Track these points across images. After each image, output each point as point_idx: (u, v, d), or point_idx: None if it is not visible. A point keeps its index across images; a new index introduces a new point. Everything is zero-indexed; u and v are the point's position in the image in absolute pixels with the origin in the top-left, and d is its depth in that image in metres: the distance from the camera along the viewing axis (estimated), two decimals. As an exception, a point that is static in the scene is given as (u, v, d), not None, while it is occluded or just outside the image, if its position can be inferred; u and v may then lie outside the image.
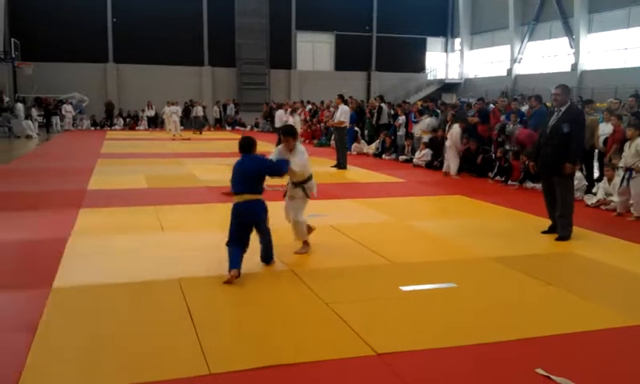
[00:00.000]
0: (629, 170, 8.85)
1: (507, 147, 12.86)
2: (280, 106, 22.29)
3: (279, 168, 5.98)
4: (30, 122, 25.42)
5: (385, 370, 3.79)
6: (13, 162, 16.14)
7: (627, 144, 8.98)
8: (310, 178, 6.48)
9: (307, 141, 21.91)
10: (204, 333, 4.29)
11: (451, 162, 13.62)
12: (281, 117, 20.61)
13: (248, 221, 5.82)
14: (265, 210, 5.90)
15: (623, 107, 12.29)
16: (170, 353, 3.99)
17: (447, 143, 13.85)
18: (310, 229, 6.63)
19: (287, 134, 6.35)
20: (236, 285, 5.45)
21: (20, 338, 4.17)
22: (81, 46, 32.74)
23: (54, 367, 3.78)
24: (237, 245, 5.67)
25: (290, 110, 21.63)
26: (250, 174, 5.82)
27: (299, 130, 20.28)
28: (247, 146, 5.91)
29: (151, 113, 32.13)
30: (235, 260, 5.55)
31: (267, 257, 6.04)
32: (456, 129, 13.59)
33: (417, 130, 16.23)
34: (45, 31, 31.99)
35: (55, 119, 29.10)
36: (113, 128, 31.90)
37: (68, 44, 32.30)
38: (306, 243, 6.57)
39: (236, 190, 5.86)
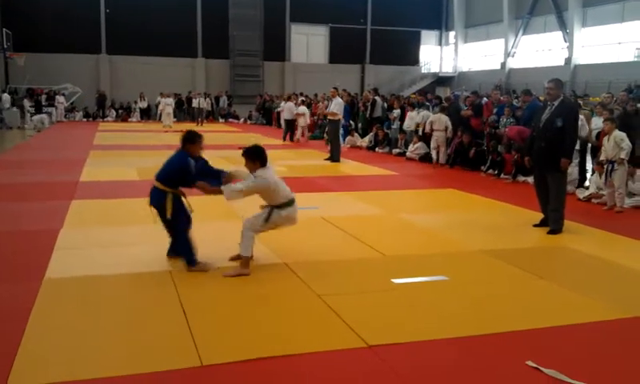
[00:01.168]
0: (610, 162, 8.99)
1: (497, 142, 12.89)
2: (288, 99, 22.60)
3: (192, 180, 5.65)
4: (44, 115, 25.62)
5: (376, 362, 3.81)
6: (4, 153, 16.05)
7: (606, 138, 9.18)
8: (276, 207, 5.58)
9: (295, 132, 21.95)
10: (196, 324, 4.29)
11: (441, 150, 14.10)
12: (291, 109, 20.99)
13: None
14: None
15: (615, 102, 12.36)
16: (162, 344, 4.00)
17: (438, 133, 14.15)
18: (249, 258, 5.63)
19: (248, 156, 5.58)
20: (229, 277, 5.44)
21: (12, 329, 4.16)
22: (73, 36, 32.55)
23: (45, 358, 3.78)
24: None
25: (300, 100, 22.15)
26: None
27: (307, 120, 20.50)
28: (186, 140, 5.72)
29: (144, 104, 32.01)
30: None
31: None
32: (443, 117, 14.13)
33: (410, 123, 16.22)
34: (37, 22, 31.78)
35: (51, 110, 28.92)
36: (105, 120, 31.75)
37: (60, 35, 32.11)
38: (244, 264, 5.55)
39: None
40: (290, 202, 5.65)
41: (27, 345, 3.93)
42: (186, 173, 5.59)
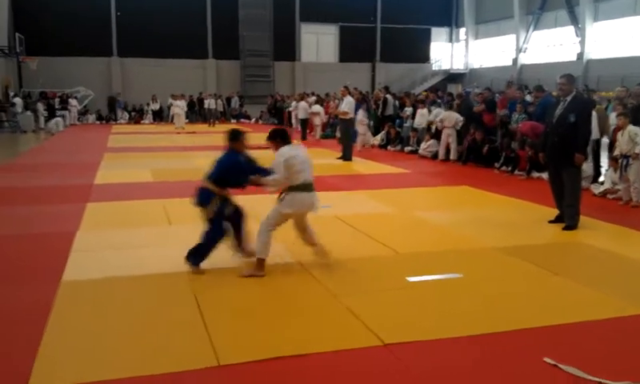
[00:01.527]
0: (625, 156, 8.94)
1: (510, 140, 12.85)
2: (302, 98, 22.93)
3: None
4: (59, 119, 25.98)
5: (392, 360, 3.81)
6: (19, 157, 16.20)
7: (620, 132, 9.13)
8: (290, 189, 5.47)
9: (311, 132, 21.94)
10: (212, 325, 4.32)
11: (452, 147, 14.35)
12: (305, 108, 21.20)
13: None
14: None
15: (630, 96, 12.23)
16: (179, 345, 4.03)
17: (447, 131, 14.40)
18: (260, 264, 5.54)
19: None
20: (245, 278, 5.47)
21: (31, 331, 4.21)
22: (85, 40, 32.74)
23: (64, 359, 3.82)
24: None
25: (313, 99, 22.60)
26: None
27: (323, 119, 20.53)
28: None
29: (156, 106, 32.15)
30: None
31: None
32: (453, 114, 14.38)
33: (422, 120, 16.18)
34: (49, 25, 32.00)
35: (65, 114, 29.11)
36: (118, 122, 31.95)
37: (72, 38, 32.30)
38: (258, 265, 5.51)
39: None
40: (304, 187, 5.49)
41: (46, 346, 3.98)
42: (238, 170, 5.62)
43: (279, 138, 5.60)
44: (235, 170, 5.61)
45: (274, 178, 5.47)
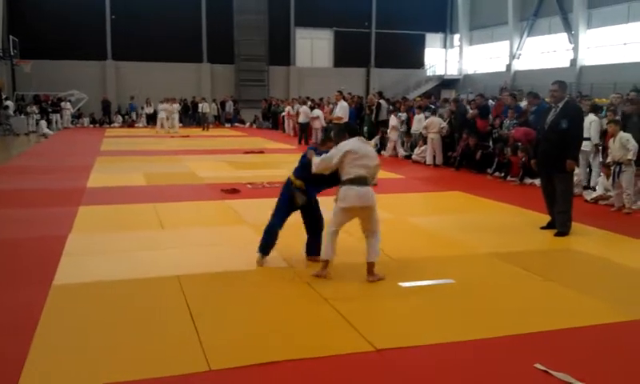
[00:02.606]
0: (617, 164, 8.98)
1: (502, 144, 12.90)
2: (303, 103, 23.33)
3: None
4: (43, 121, 25.84)
5: (384, 366, 3.81)
6: (12, 159, 16.14)
7: (612, 140, 9.17)
8: (343, 182, 5.48)
9: (311, 137, 22.01)
10: (203, 329, 4.30)
11: (437, 152, 14.60)
12: (306, 112, 21.57)
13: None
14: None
15: (624, 103, 12.29)
16: (170, 349, 4.01)
17: (432, 136, 14.64)
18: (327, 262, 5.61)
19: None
20: (236, 281, 5.46)
21: (20, 335, 4.18)
22: (79, 43, 32.71)
23: (54, 364, 3.80)
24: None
25: (309, 104, 22.79)
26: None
27: (323, 123, 20.62)
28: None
29: (150, 110, 32.11)
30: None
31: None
32: (436, 120, 14.68)
33: (419, 126, 16.20)
34: (43, 28, 31.95)
35: (55, 117, 29.08)
36: (112, 125, 31.88)
37: (67, 41, 32.27)
38: (322, 266, 5.61)
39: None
40: (357, 180, 5.40)
41: (36, 351, 3.95)
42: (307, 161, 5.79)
43: (347, 133, 5.65)
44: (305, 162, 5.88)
45: (323, 157, 5.53)
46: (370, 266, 5.53)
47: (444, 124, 14.70)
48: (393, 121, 17.02)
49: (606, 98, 17.05)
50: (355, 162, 5.41)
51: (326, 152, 5.63)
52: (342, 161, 5.41)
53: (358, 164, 5.42)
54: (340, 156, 5.40)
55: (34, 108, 27.41)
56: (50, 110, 29.43)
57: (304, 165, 5.88)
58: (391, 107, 18.99)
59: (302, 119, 21.76)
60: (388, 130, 16.54)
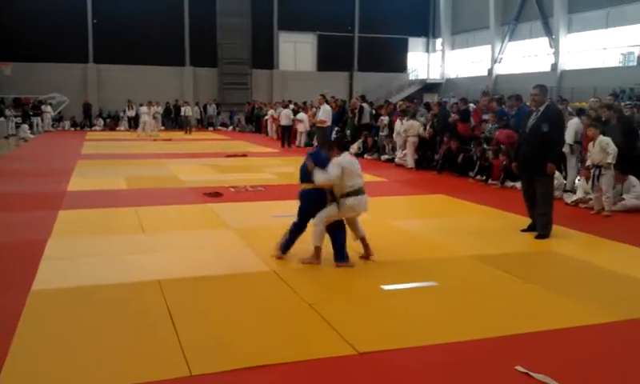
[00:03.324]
0: (597, 167, 9.05)
1: (485, 146, 12.99)
2: (286, 106, 23.44)
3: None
4: (25, 125, 25.64)
5: (367, 369, 3.80)
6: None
7: (591, 143, 9.24)
8: (348, 194, 5.98)
9: (294, 140, 22.04)
10: (184, 334, 4.27)
11: (410, 155, 14.76)
12: (288, 115, 21.71)
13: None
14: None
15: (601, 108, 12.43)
16: (151, 354, 3.97)
17: (412, 139, 14.82)
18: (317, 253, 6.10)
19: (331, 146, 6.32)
20: (217, 286, 5.44)
21: (-2, 342, 4.12)
22: (61, 46, 32.39)
23: (32, 370, 3.74)
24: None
25: (296, 108, 23.06)
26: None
27: (307, 127, 20.63)
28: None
29: (132, 113, 31.89)
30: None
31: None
32: (415, 123, 14.86)
33: (401, 130, 16.25)
34: (24, 31, 31.60)
35: (36, 120, 28.76)
36: (93, 129, 31.61)
37: (48, 44, 31.93)
38: (316, 253, 6.08)
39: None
40: (362, 190, 6.06)
41: (14, 356, 3.89)
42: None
43: (335, 148, 6.16)
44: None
45: (325, 177, 5.90)
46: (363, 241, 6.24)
47: (420, 129, 14.89)
48: (299, 116, 17.24)
49: (586, 101, 17.23)
50: (352, 174, 6.01)
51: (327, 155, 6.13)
52: (341, 177, 5.92)
53: (356, 175, 6.05)
54: (339, 173, 5.90)
55: (13, 111, 27.09)
56: (31, 113, 29.10)
57: (304, 172, 6.14)
58: (373, 112, 19.07)
59: (284, 122, 21.80)
60: (394, 135, 16.46)
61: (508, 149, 11.37)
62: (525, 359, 3.89)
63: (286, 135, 21.56)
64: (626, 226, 8.39)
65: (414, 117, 15.35)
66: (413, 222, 8.57)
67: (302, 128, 21.08)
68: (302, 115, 21.46)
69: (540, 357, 3.97)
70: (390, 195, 11.08)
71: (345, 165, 5.95)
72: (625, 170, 9.50)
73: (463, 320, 4.68)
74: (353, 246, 6.30)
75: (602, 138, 9.08)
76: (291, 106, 23.69)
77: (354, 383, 3.64)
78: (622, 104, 13.81)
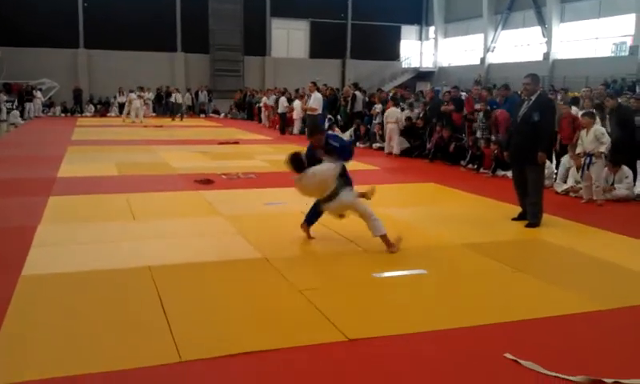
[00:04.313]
0: (588, 155, 9.08)
1: (478, 135, 13.00)
2: (283, 93, 23.67)
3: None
4: (16, 111, 25.44)
5: (357, 356, 3.82)
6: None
7: (584, 131, 9.25)
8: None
9: (289, 127, 22.11)
10: (175, 320, 4.27)
11: (396, 142, 14.98)
12: (283, 103, 22.17)
13: None
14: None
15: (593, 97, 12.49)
16: (141, 340, 3.97)
17: (390, 125, 15.05)
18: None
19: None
20: (208, 272, 5.43)
21: (-13, 327, 4.10)
22: (51, 31, 32.08)
23: (22, 356, 3.73)
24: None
25: (291, 96, 23.38)
26: None
27: (300, 113, 20.64)
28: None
29: (122, 99, 31.68)
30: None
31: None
32: (395, 111, 15.22)
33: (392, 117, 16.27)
34: (13, 15, 31.30)
35: (29, 106, 28.51)
36: (83, 115, 31.40)
37: (37, 29, 31.62)
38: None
39: None
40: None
41: (4, 341, 3.88)
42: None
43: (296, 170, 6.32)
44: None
45: (335, 165, 6.24)
46: (383, 240, 6.14)
47: (400, 116, 15.10)
48: (295, 103, 17.46)
49: (577, 91, 17.29)
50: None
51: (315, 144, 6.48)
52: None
53: None
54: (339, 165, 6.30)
55: (3, 96, 26.83)
56: (25, 98, 28.85)
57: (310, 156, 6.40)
58: (366, 99, 19.05)
59: (281, 109, 22.22)
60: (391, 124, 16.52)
61: (499, 138, 11.39)
62: (513, 347, 3.91)
63: (283, 122, 21.98)
64: (616, 216, 8.44)
65: (411, 106, 15.40)
66: (403, 211, 8.58)
67: (295, 115, 21.16)
68: (297, 102, 21.52)
69: (528, 344, 4.00)
70: (381, 183, 11.05)
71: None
72: (618, 160, 9.52)
73: (453, 308, 4.70)
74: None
75: (597, 127, 9.08)
76: (287, 94, 23.76)
77: (345, 370, 3.66)
78: (624, 95, 13.87)
